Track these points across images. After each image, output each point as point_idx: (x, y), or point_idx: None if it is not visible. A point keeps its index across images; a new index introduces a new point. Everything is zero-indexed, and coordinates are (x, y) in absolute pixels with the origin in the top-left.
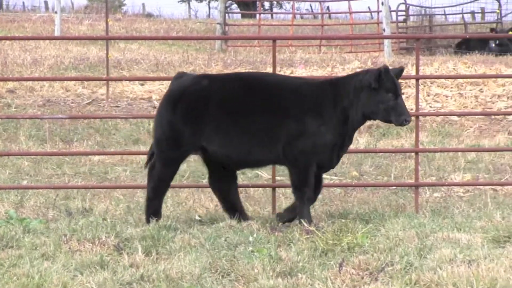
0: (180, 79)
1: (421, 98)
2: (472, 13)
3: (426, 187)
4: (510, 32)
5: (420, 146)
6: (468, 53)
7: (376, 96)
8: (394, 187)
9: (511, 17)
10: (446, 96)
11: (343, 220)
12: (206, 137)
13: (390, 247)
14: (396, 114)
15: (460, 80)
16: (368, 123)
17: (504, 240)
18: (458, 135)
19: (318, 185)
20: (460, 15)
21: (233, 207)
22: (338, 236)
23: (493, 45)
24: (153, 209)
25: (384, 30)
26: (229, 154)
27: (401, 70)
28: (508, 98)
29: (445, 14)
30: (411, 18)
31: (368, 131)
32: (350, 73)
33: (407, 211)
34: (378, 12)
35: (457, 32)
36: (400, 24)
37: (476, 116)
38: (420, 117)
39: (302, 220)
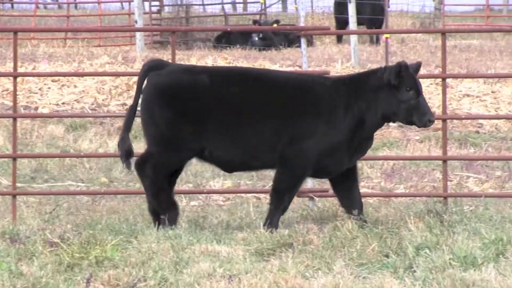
0: (163, 70)
1: None
2: (234, 3)
3: (183, 195)
4: (275, 25)
5: None
6: (228, 47)
7: (397, 95)
8: None
9: (276, 8)
10: None
11: (90, 231)
12: (206, 139)
13: (142, 260)
14: (419, 114)
15: None
16: None
17: (268, 253)
18: None
19: (355, 192)
20: (220, 6)
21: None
22: (85, 248)
23: (256, 38)
24: (166, 201)
25: (136, 22)
26: (232, 158)
27: (418, 65)
28: None
29: (203, 5)
30: (166, 8)
31: (118, 133)
32: (365, 70)
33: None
34: (129, 2)
35: (216, 24)
36: (154, 16)
37: None
38: None
39: (270, 228)
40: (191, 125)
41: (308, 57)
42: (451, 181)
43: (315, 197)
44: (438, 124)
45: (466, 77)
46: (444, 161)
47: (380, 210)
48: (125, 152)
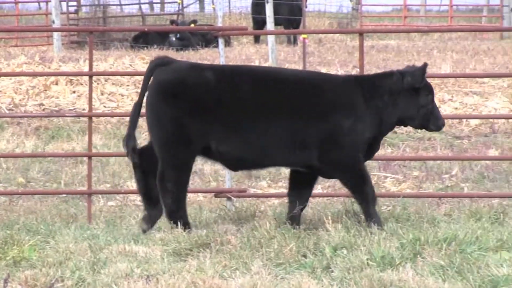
0: (168, 66)
1: (94, 97)
2: (151, 3)
3: (100, 195)
4: (193, 25)
5: (94, 150)
6: (146, 47)
7: (417, 99)
8: (64, 195)
9: (193, 8)
10: (122, 95)
11: (8, 232)
12: (213, 137)
13: (60, 261)
14: (434, 119)
15: (138, 77)
16: None
17: (185, 253)
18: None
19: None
20: (138, 6)
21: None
22: (2, 249)
23: (174, 38)
24: (182, 221)
25: (53, 22)
26: (243, 156)
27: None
28: None
29: (120, 5)
30: (84, 9)
31: (35, 133)
32: (380, 71)
33: (79, 221)
34: (47, 2)
35: (134, 24)
36: (72, 16)
37: None
38: (94, 118)
39: (373, 224)
40: (197, 122)
41: (225, 57)
42: None
43: (233, 198)
44: None
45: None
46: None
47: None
48: (131, 150)
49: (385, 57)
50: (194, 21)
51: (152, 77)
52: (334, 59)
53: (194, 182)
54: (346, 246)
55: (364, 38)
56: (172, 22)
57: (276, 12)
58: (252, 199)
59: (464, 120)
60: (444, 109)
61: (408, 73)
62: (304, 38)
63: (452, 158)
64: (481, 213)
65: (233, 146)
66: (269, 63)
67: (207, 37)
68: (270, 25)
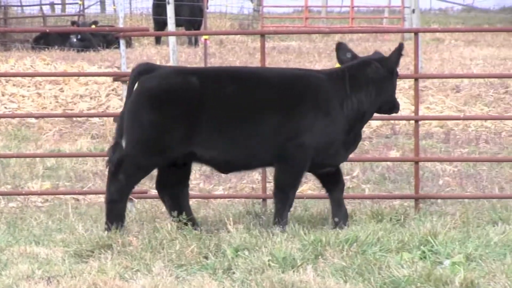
0: (153, 73)
1: None
2: (52, 4)
3: (1, 196)
4: (93, 26)
5: None
6: (47, 49)
7: (393, 83)
8: None
9: (94, 9)
10: (23, 96)
11: None
12: (198, 142)
13: None
14: (396, 102)
15: (39, 79)
16: None
17: (87, 254)
18: (36, 139)
19: (339, 178)
20: (39, 7)
21: (184, 212)
22: None
23: (75, 39)
24: (117, 213)
25: None
26: (231, 159)
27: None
28: (91, 98)
29: (21, 6)
30: None
31: None
32: (354, 61)
33: None
34: None
35: (35, 25)
36: None
37: (56, 118)
38: None
39: (280, 226)
40: (181, 129)
41: (126, 58)
42: (270, 182)
43: (134, 199)
44: None
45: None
46: None
47: (199, 211)
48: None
49: (286, 58)
50: (95, 22)
51: (136, 85)
52: (236, 60)
53: (95, 183)
54: (248, 247)
55: (265, 39)
56: (73, 23)
57: (177, 13)
58: (154, 200)
59: None
60: None
61: (389, 58)
62: (205, 39)
63: (353, 159)
64: (383, 215)
65: (220, 150)
66: (171, 64)
67: (108, 38)
68: (171, 26)
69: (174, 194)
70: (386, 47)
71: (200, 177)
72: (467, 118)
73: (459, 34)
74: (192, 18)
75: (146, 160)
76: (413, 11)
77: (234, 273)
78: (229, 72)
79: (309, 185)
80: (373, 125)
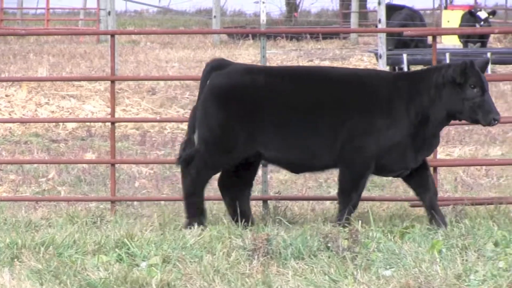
0: (223, 70)
1: None
2: None
3: None
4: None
5: None
6: None
7: (461, 92)
8: None
9: None
10: None
11: None
12: (262, 141)
13: None
14: (483, 113)
15: None
16: None
17: None
18: None
19: (427, 183)
20: None
21: (242, 214)
22: None
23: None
24: (196, 207)
25: None
26: (294, 160)
27: (486, 62)
28: None
29: None
30: None
31: None
32: (428, 67)
33: None
34: None
35: None
36: None
37: None
38: None
39: (340, 225)
40: (246, 128)
41: None
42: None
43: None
44: None
45: None
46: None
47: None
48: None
49: None
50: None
51: (208, 81)
52: None
53: None
54: None
55: None
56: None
57: None
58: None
59: (61, 123)
60: (41, 113)
61: (452, 67)
62: None
63: (48, 161)
64: (79, 217)
65: (282, 150)
66: None
67: None
68: None
69: (235, 194)
70: (82, 49)
71: None
72: (163, 121)
73: (155, 36)
74: None
75: (214, 159)
76: (109, 13)
77: None
78: (295, 71)
79: (4, 187)
80: (69, 127)
